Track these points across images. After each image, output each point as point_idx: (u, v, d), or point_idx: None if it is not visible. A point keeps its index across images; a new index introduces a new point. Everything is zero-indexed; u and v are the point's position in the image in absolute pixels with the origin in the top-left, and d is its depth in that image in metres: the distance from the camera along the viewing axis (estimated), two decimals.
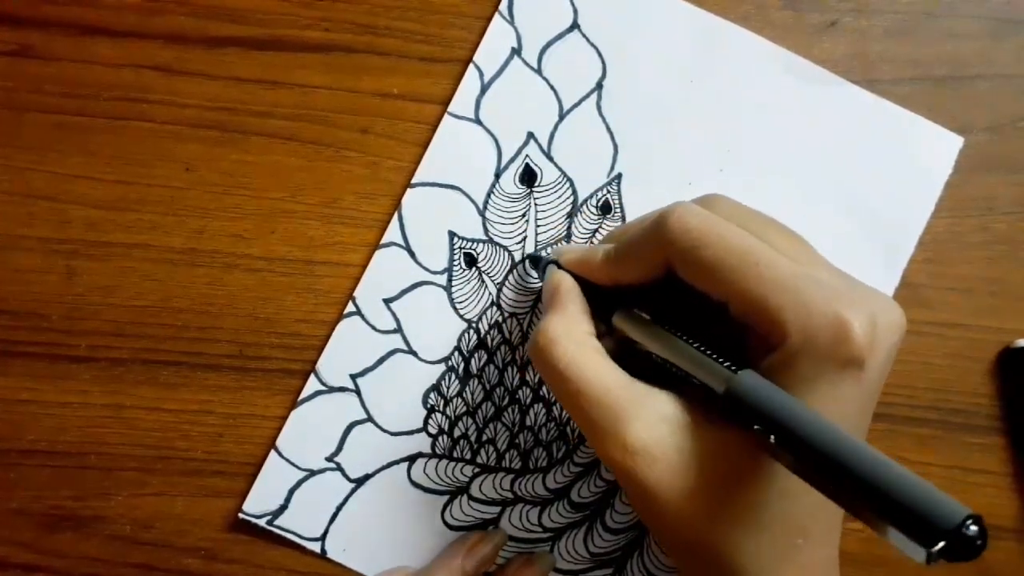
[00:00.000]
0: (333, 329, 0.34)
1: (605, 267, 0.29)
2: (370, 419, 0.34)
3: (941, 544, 0.18)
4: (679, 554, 0.27)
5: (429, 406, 0.34)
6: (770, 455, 0.23)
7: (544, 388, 0.34)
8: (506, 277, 0.34)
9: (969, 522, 0.18)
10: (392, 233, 0.34)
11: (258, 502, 0.34)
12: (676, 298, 0.27)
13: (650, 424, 0.25)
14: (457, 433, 0.34)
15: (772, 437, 0.22)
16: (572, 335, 0.27)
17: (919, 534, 0.18)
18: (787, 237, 0.27)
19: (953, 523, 0.18)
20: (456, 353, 0.34)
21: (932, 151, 0.34)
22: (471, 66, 0.34)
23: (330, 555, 0.34)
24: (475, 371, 0.34)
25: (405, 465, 0.34)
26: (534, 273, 0.34)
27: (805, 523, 0.25)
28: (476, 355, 0.34)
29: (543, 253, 0.34)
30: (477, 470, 0.34)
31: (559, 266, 0.31)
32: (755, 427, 0.23)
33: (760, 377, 0.24)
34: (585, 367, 0.26)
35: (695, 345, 0.26)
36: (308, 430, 0.34)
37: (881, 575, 0.34)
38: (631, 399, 0.26)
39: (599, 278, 0.29)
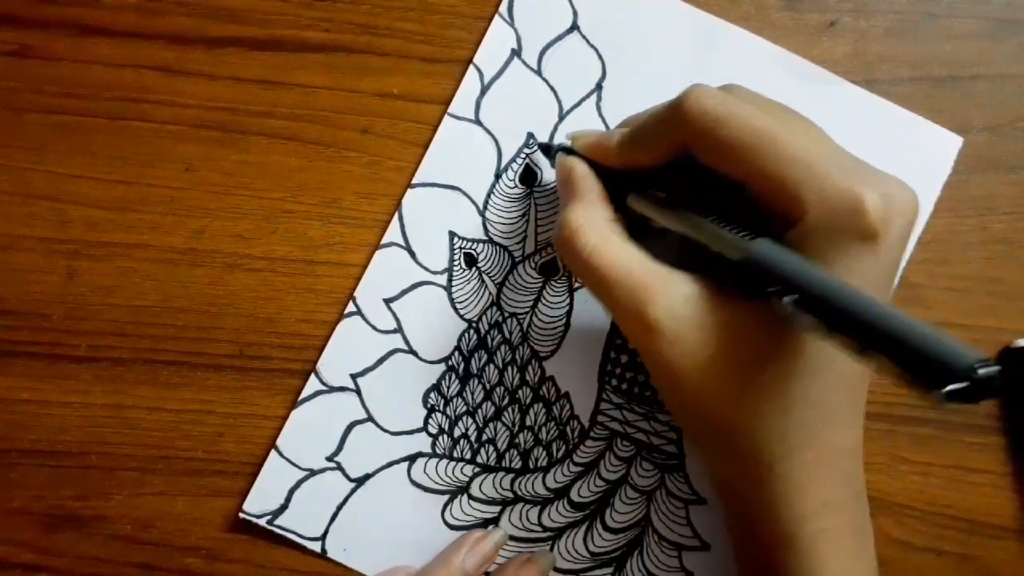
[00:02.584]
0: (333, 329, 0.34)
1: (621, 151, 0.29)
2: (370, 419, 0.34)
3: (956, 386, 0.18)
4: (701, 435, 0.28)
5: (429, 406, 0.34)
6: (788, 319, 0.23)
7: (544, 388, 0.34)
8: (506, 277, 0.34)
9: (981, 364, 0.18)
10: (392, 233, 0.34)
11: (258, 502, 0.34)
12: (687, 183, 0.28)
13: (671, 304, 0.26)
14: (457, 433, 0.34)
15: (789, 298, 0.22)
16: (593, 222, 0.28)
17: (935, 377, 0.19)
18: (802, 121, 0.27)
19: (967, 365, 0.18)
20: (456, 353, 0.34)
21: (931, 151, 0.34)
22: (471, 67, 0.34)
23: (330, 555, 0.34)
24: (475, 371, 0.34)
25: (405, 465, 0.34)
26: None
27: (829, 404, 0.26)
28: (476, 355, 0.34)
29: (553, 142, 0.34)
30: (477, 470, 0.34)
31: (569, 153, 0.31)
32: (772, 290, 0.23)
33: (775, 243, 0.24)
34: (608, 253, 0.27)
35: (711, 219, 0.26)
36: (308, 430, 0.34)
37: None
38: (652, 280, 0.26)
39: (614, 162, 0.30)
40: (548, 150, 0.34)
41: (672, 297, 0.26)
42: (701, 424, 0.27)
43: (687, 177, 0.28)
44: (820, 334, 0.22)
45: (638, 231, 0.29)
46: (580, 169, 0.30)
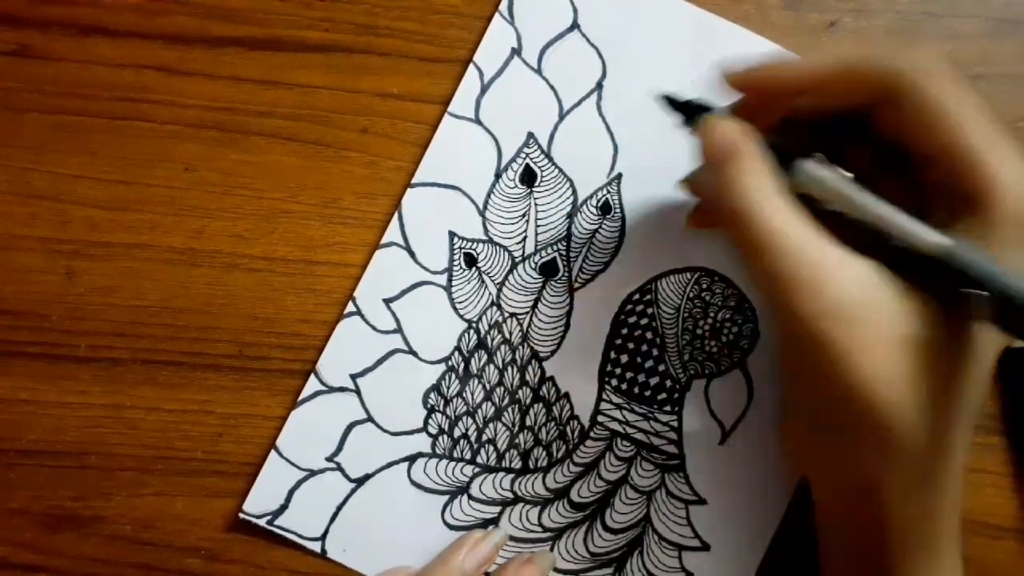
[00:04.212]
0: (333, 329, 0.34)
1: (812, 72, 0.27)
2: (370, 419, 0.34)
3: None
4: (839, 425, 0.26)
5: (429, 406, 0.34)
6: (980, 320, 0.22)
7: (544, 388, 0.34)
8: (506, 277, 0.34)
9: None
10: (392, 233, 0.34)
11: (258, 502, 0.34)
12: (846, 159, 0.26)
13: (849, 286, 0.24)
14: (457, 433, 0.34)
15: (985, 302, 0.22)
16: (764, 189, 0.25)
17: None
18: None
19: None
20: (456, 353, 0.34)
21: None
22: (471, 66, 0.34)
23: (330, 555, 0.34)
24: (475, 371, 0.34)
25: (405, 465, 0.34)
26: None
27: (977, 408, 0.25)
28: (476, 355, 0.34)
29: (680, 96, 0.29)
30: (477, 470, 0.34)
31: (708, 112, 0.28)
32: (966, 291, 0.22)
33: (972, 244, 0.23)
34: (783, 222, 0.25)
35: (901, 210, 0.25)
36: (308, 430, 0.34)
37: None
38: (832, 258, 0.25)
39: (793, 83, 0.27)
40: (687, 107, 0.29)
41: (851, 280, 0.24)
42: (844, 414, 0.25)
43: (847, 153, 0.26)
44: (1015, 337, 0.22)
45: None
46: (743, 129, 0.26)
